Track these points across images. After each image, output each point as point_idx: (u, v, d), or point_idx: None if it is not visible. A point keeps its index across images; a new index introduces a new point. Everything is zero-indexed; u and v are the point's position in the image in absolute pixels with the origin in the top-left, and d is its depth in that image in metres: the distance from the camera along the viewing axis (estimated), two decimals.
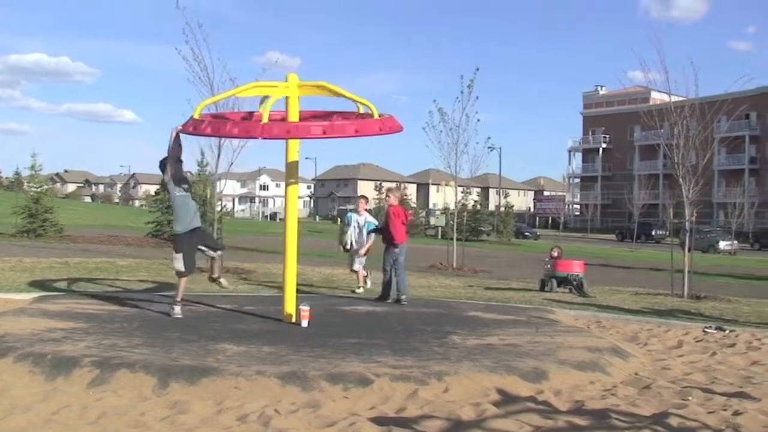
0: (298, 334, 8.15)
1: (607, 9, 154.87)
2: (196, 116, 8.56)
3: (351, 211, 14.77)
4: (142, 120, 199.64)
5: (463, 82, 22.60)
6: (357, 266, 13.59)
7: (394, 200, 12.04)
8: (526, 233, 61.78)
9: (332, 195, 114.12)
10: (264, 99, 9.37)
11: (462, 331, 8.74)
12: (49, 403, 5.33)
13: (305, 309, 8.68)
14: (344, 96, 9.01)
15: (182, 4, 16.54)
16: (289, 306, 8.99)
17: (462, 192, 34.77)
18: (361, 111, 9.03)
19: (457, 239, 24.73)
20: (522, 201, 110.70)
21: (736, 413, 5.54)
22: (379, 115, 8.49)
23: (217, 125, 9.03)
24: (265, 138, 8.10)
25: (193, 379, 5.82)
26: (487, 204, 76.73)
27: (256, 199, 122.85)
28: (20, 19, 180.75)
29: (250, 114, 9.77)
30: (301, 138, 8.63)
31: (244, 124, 8.66)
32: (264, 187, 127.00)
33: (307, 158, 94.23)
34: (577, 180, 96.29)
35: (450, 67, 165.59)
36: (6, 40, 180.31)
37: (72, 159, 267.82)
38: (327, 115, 9.67)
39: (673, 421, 5.29)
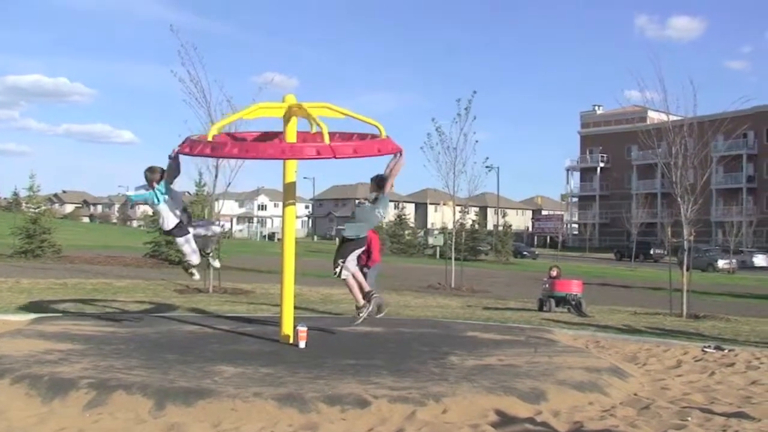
0: (296, 356, 8.12)
1: (603, 29, 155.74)
2: (210, 138, 8.49)
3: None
4: (141, 140, 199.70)
5: (461, 104, 22.76)
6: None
7: None
8: (525, 252, 61.79)
9: (330, 215, 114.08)
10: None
11: (460, 352, 8.71)
12: (45, 425, 5.31)
13: (303, 330, 8.66)
14: (350, 116, 9.04)
15: (179, 26, 16.72)
16: (287, 327, 8.96)
17: (460, 211, 34.78)
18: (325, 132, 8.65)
19: (456, 259, 24.73)
20: (520, 220, 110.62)
21: None
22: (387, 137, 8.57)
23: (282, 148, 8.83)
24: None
25: (190, 401, 5.79)
26: (486, 223, 76.76)
27: (255, 219, 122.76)
28: (18, 39, 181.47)
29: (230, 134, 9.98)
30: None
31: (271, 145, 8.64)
32: (262, 207, 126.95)
33: (305, 178, 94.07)
34: (576, 199, 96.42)
35: (448, 86, 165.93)
36: (4, 60, 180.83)
37: (70, 179, 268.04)
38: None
39: None
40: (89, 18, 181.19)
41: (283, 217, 9.24)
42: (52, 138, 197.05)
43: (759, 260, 55.30)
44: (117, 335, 9.10)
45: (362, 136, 9.19)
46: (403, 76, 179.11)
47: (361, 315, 8.93)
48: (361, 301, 8.91)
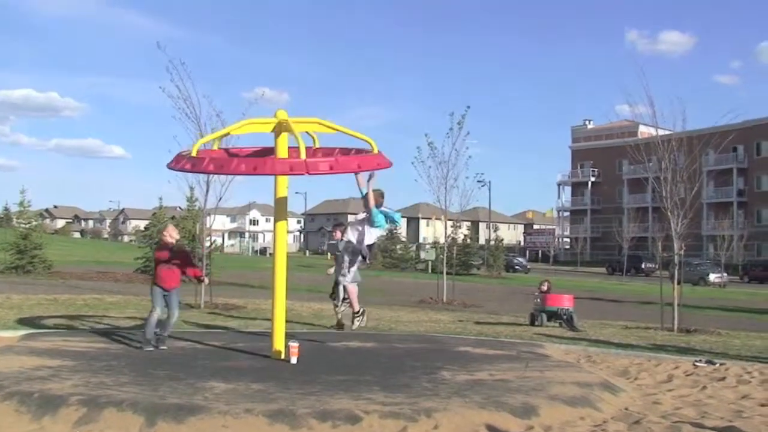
0: (287, 371, 8.11)
1: (594, 43, 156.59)
2: (194, 153, 8.46)
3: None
4: (131, 155, 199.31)
5: (453, 118, 22.83)
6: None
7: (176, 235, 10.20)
8: (517, 267, 61.89)
9: (322, 229, 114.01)
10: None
11: (452, 367, 8.71)
12: None
13: (294, 345, 8.65)
14: (341, 131, 9.05)
15: (169, 40, 16.79)
16: (278, 342, 8.95)
17: (452, 226, 34.85)
18: (302, 147, 8.56)
19: (447, 273, 24.74)
20: (512, 235, 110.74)
21: None
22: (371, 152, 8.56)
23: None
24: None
25: (181, 417, 5.77)
26: (477, 238, 76.83)
27: (246, 234, 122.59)
28: (8, 54, 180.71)
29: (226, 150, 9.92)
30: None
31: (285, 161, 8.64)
32: (254, 222, 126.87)
33: (297, 193, 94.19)
34: (567, 213, 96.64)
35: (440, 101, 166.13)
36: None
37: (61, 194, 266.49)
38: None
39: None
40: (80, 33, 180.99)
41: (274, 232, 9.24)
42: (42, 153, 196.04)
43: (520, 262, 67.69)
44: (107, 351, 9.07)
45: (359, 152, 9.20)
46: (395, 91, 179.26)
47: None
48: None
